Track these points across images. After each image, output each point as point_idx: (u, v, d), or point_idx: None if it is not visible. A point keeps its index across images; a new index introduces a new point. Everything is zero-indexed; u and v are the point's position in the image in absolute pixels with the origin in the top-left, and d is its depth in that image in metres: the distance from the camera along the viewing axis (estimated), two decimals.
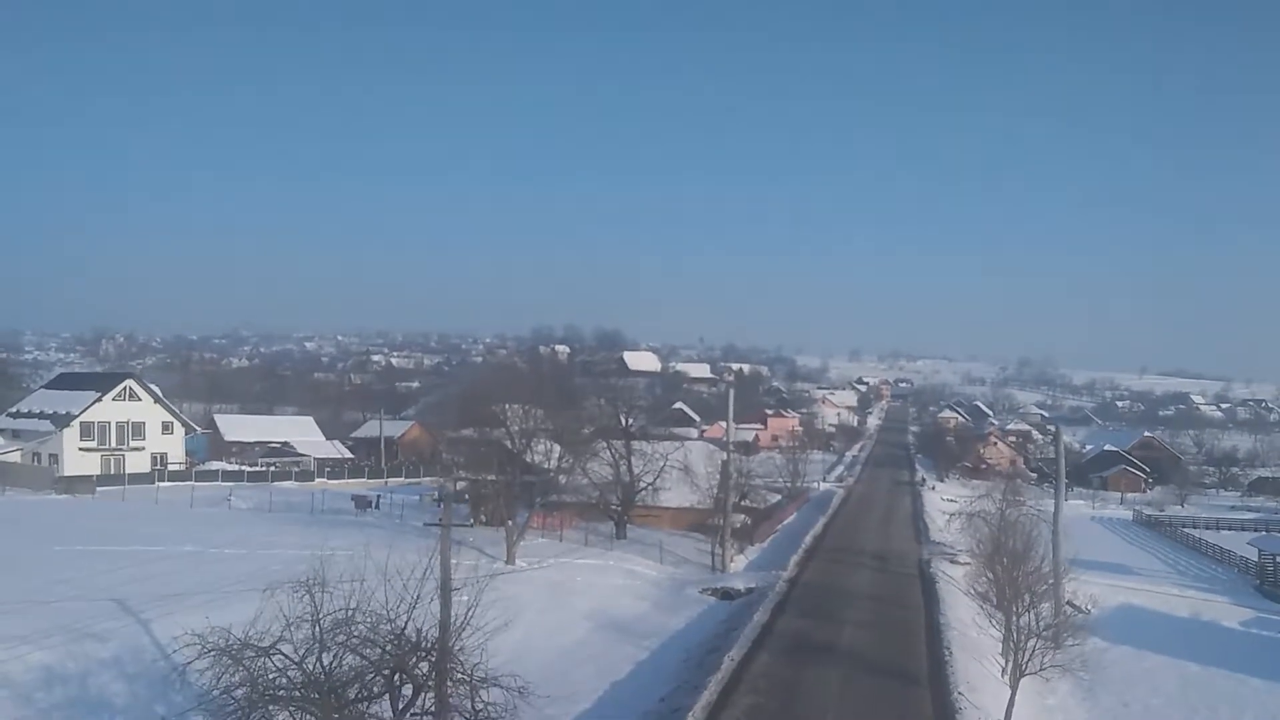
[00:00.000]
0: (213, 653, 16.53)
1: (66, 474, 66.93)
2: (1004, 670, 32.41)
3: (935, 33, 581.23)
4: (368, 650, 17.79)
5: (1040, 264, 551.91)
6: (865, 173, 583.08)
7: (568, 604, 39.94)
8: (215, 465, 79.06)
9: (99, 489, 64.10)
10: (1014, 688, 28.50)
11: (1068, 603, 41.45)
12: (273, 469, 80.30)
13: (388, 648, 17.81)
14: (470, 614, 19.34)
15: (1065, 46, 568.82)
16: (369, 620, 18.18)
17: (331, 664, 17.32)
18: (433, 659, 18.43)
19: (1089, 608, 44.95)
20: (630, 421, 59.80)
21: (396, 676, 17.90)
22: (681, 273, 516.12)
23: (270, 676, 16.88)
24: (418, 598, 18.64)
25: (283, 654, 17.19)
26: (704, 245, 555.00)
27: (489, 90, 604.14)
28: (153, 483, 68.56)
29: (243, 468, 79.48)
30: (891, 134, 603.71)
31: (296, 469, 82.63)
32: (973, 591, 38.76)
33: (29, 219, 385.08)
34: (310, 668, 17.08)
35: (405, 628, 18.35)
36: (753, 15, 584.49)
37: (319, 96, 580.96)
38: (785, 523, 68.70)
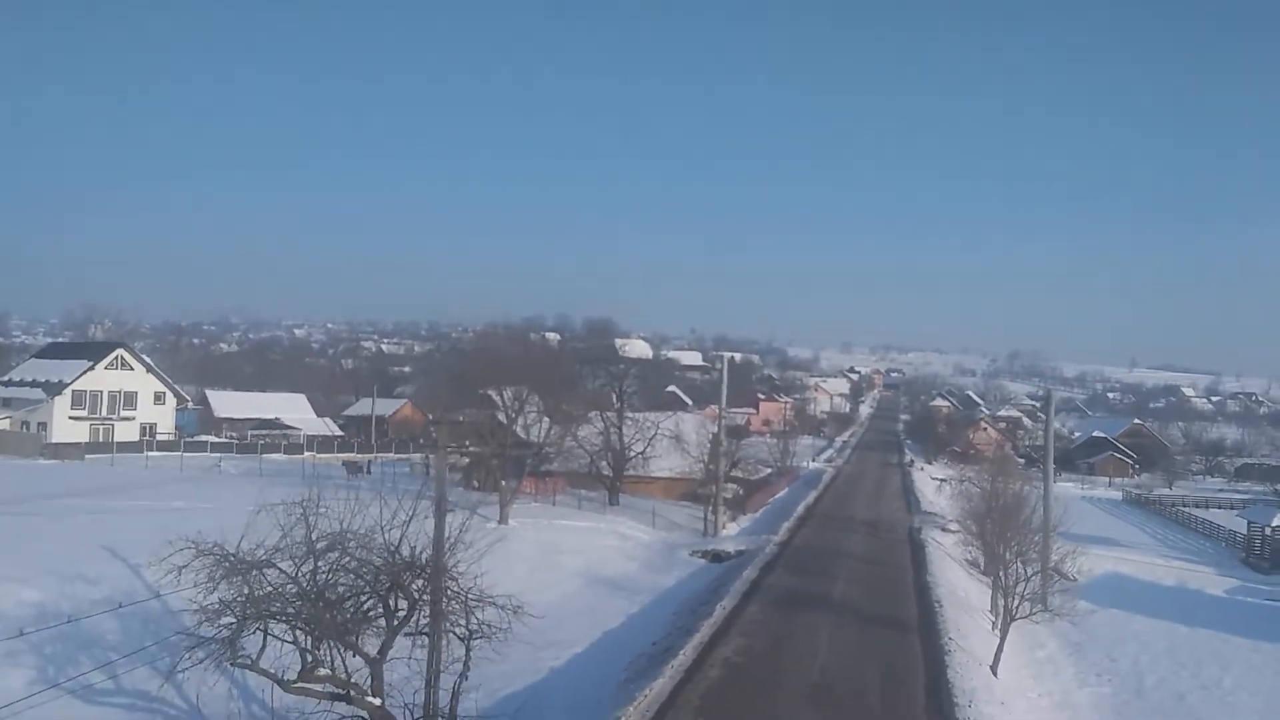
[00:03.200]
0: (209, 555, 16.45)
1: (55, 441, 66.64)
2: (993, 624, 32.74)
3: (930, 25, 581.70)
4: (363, 568, 17.78)
5: (1031, 258, 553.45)
6: (857, 166, 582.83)
7: (559, 562, 40.16)
8: (205, 438, 78.83)
9: (87, 457, 63.84)
10: (1004, 632, 28.78)
11: (1053, 568, 41.80)
12: (262, 442, 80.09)
13: (380, 564, 17.81)
14: (463, 530, 19.34)
15: (1058, 39, 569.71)
16: (362, 539, 18.20)
17: (326, 579, 17.29)
18: (427, 575, 18.42)
19: (1076, 575, 45.39)
20: (623, 390, 59.87)
21: (392, 595, 17.88)
22: (672, 266, 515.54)
23: (266, 590, 16.83)
24: (412, 515, 18.67)
25: (278, 568, 17.15)
26: (694, 238, 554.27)
27: (479, 81, 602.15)
28: (141, 452, 68.30)
29: (232, 439, 79.28)
30: (884, 127, 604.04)
31: (286, 442, 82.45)
32: (964, 541, 39.14)
33: (16, 204, 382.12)
34: (305, 583, 17.05)
35: (399, 544, 18.42)
36: (746, 6, 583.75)
37: (311, 85, 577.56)
38: (777, 497, 68.98)
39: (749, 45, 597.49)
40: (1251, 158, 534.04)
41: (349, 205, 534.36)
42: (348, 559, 17.66)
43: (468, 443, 49.77)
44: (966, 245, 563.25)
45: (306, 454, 78.29)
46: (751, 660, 25.52)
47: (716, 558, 43.62)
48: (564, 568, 39.38)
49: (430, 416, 25.54)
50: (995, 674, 27.33)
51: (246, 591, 16.38)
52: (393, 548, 18.19)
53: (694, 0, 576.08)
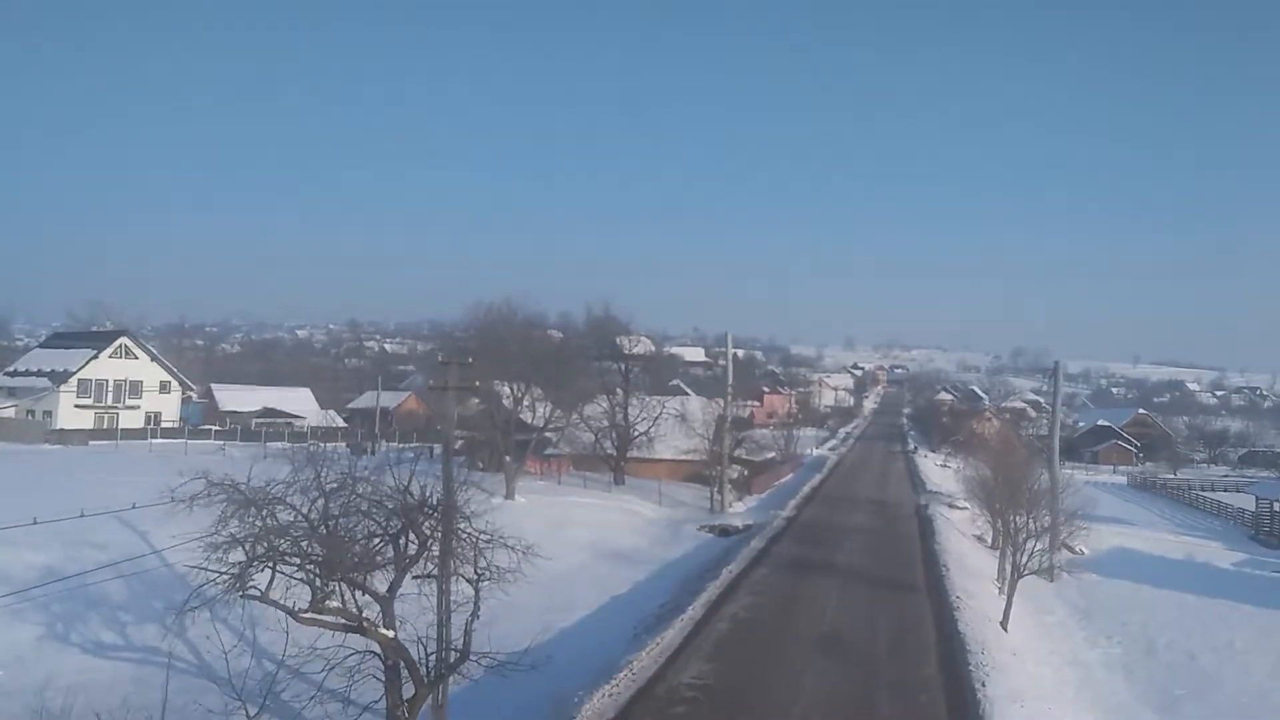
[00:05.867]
0: (220, 489, 16.37)
1: (59, 429, 66.68)
2: (1000, 590, 32.66)
3: (931, 23, 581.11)
4: (373, 509, 17.71)
5: (1035, 255, 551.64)
6: (858, 164, 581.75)
7: (567, 535, 40.05)
8: (209, 427, 78.84)
9: (91, 443, 63.88)
10: (1012, 588, 28.73)
11: (1062, 544, 41.71)
12: (266, 430, 79.96)
13: (390, 505, 17.75)
14: (468, 477, 19.32)
15: (1058, 40, 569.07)
16: (372, 481, 18.17)
17: (336, 519, 17.18)
18: (438, 515, 18.37)
19: (1083, 549, 45.35)
20: (628, 370, 59.72)
21: (402, 536, 17.80)
22: (675, 265, 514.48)
23: (276, 527, 16.68)
24: (418, 457, 18.67)
25: (289, 504, 17.05)
26: (697, 236, 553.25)
27: (479, 79, 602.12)
28: (146, 439, 68.31)
29: (236, 428, 79.20)
30: (887, 125, 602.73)
31: (290, 430, 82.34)
32: (972, 517, 38.99)
33: (17, 209, 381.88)
34: (316, 521, 16.93)
35: (409, 484, 18.40)
36: (753, 10, 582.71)
37: (313, 90, 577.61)
38: (782, 481, 68.79)
39: (751, 44, 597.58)
40: (1255, 153, 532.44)
41: (349, 206, 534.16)
42: (358, 500, 17.62)
43: (472, 431, 49.93)
44: (970, 243, 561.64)
45: (310, 442, 78.08)
46: (760, 616, 25.49)
47: (723, 532, 43.55)
48: (571, 540, 39.26)
49: (440, 358, 25.46)
50: (1005, 630, 27.29)
51: (258, 525, 16.28)
52: (403, 487, 18.20)
53: (698, 1, 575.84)
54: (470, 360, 25.13)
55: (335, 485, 17.58)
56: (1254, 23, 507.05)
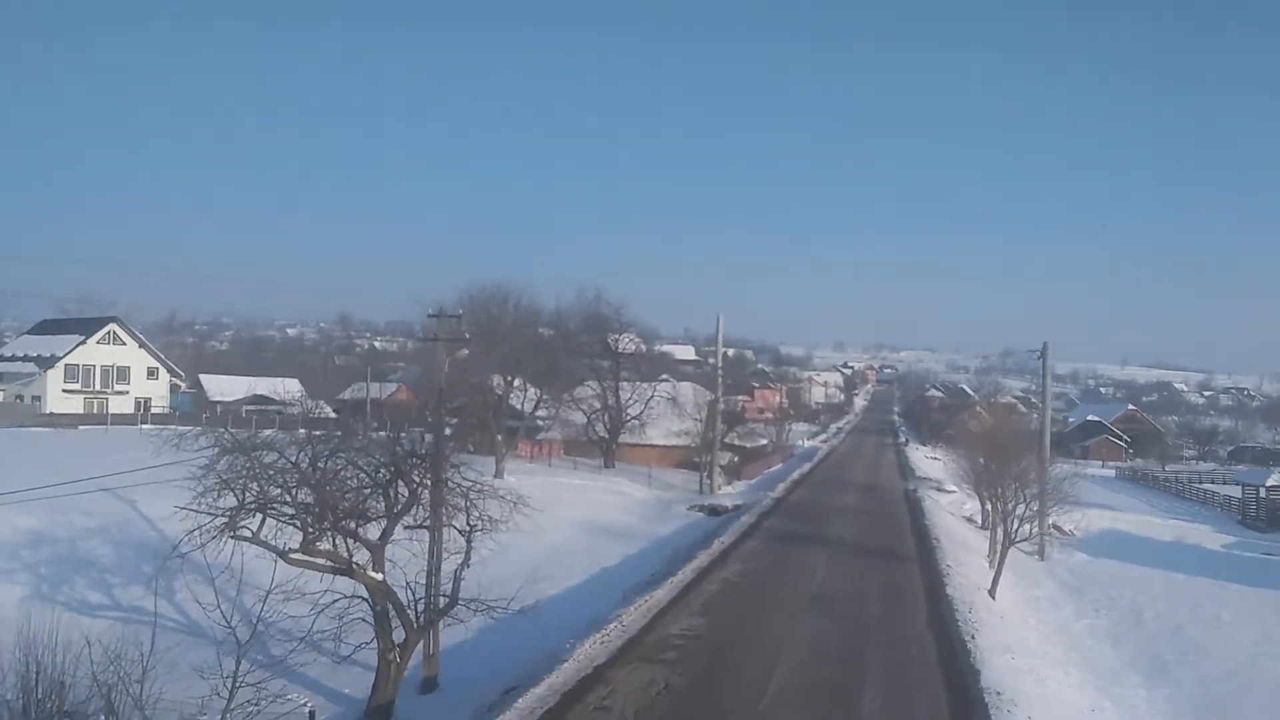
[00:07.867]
0: (209, 433, 16.33)
1: (49, 412, 66.46)
2: (990, 563, 32.78)
3: (919, 30, 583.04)
4: (362, 459, 17.64)
5: (1024, 258, 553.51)
6: (851, 169, 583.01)
7: (557, 513, 39.90)
8: (199, 414, 78.53)
9: (81, 427, 63.63)
10: (1002, 556, 28.82)
11: (1052, 525, 41.83)
12: (256, 418, 79.66)
13: (381, 457, 17.70)
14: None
15: (1050, 43, 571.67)
16: (361, 440, 18.15)
17: (326, 464, 17.10)
18: (428, 465, 18.33)
19: (1074, 530, 45.52)
20: (618, 356, 59.63)
21: (392, 486, 17.72)
22: (666, 266, 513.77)
23: (269, 475, 16.56)
24: (407, 426, 18.65)
25: (278, 451, 16.97)
26: (688, 240, 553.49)
27: (471, 83, 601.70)
28: (136, 424, 67.99)
29: (226, 415, 78.90)
30: (878, 130, 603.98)
31: (280, 418, 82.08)
32: (962, 491, 39.02)
33: (9, 205, 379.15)
34: (305, 467, 16.83)
35: (400, 437, 18.38)
36: (747, 12, 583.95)
37: (309, 90, 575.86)
38: (772, 470, 68.85)
39: (745, 47, 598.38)
40: (1244, 159, 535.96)
41: (343, 204, 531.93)
42: (348, 450, 17.58)
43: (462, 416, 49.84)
44: (959, 245, 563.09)
45: (300, 431, 77.67)
46: (750, 579, 25.53)
47: (713, 511, 43.56)
48: (561, 518, 39.17)
49: (430, 313, 25.09)
50: (994, 598, 27.37)
51: (247, 468, 16.19)
52: (392, 437, 18.14)
53: (687, 3, 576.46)
54: (460, 314, 25.09)
55: (323, 434, 17.60)
56: (1240, 28, 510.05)
